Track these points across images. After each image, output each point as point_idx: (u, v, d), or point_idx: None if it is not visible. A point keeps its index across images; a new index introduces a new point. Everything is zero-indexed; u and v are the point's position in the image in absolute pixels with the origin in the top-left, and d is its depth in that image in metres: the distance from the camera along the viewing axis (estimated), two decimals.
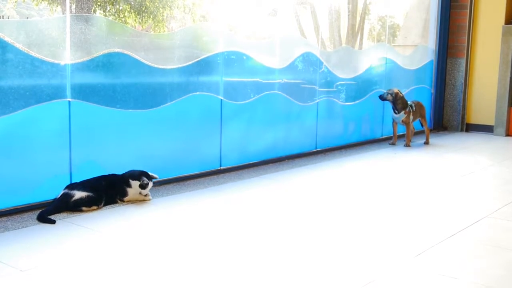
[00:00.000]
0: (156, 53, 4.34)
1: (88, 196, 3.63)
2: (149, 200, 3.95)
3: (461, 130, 8.10)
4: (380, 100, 6.64)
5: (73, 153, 3.80)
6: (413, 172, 5.26)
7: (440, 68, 8.09)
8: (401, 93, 6.54)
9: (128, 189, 3.86)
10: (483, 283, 2.61)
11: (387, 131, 7.16)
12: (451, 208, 3.99)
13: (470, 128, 8.10)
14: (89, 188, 3.67)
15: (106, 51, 3.96)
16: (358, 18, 7.30)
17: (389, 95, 6.49)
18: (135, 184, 3.86)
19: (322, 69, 6.04)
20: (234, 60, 4.97)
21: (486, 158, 6.00)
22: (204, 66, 4.70)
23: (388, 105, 6.72)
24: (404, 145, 6.72)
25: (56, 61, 3.66)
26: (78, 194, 3.61)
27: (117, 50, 4.03)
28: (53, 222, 3.37)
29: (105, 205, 3.76)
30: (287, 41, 5.67)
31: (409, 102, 6.63)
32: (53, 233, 3.19)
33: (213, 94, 4.79)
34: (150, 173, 3.95)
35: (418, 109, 6.79)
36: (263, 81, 5.32)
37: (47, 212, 3.47)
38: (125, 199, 3.87)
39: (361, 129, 6.85)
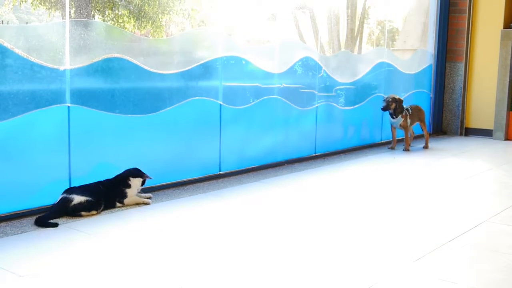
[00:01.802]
0: (155, 58, 4.34)
1: (87, 201, 3.63)
2: (149, 202, 3.96)
3: (460, 134, 8.11)
4: (383, 111, 6.56)
5: (72, 158, 3.80)
6: (413, 177, 5.26)
7: (439, 72, 8.10)
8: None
9: (127, 190, 3.86)
10: None
11: (386, 135, 7.17)
12: (451, 212, 3.99)
13: (469, 132, 8.11)
14: (88, 193, 3.66)
15: (105, 56, 3.96)
16: (357, 23, 7.32)
17: (393, 103, 6.44)
18: (135, 182, 3.87)
19: (321, 74, 6.05)
20: (233, 64, 4.98)
21: (485, 162, 6.00)
22: (203, 71, 4.71)
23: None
24: (403, 150, 6.72)
25: (55, 66, 3.67)
26: (77, 199, 3.60)
27: (116, 55, 4.04)
28: (55, 225, 3.39)
29: (104, 209, 3.76)
30: (286, 46, 5.68)
31: (404, 106, 6.63)
32: (53, 238, 3.19)
33: (212, 99, 4.79)
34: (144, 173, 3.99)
35: (416, 113, 6.79)
36: (262, 86, 5.32)
37: (46, 217, 3.47)
38: (125, 201, 3.87)
39: (360, 133, 6.85)
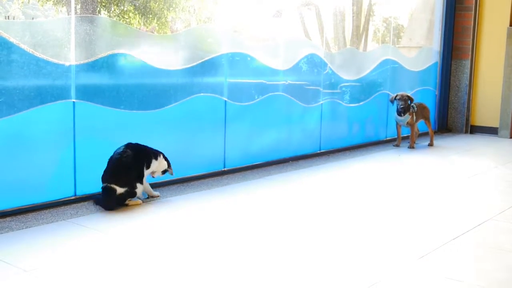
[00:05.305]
0: (161, 54, 4.34)
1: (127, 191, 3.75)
2: (157, 195, 4.04)
3: (466, 132, 8.08)
4: (402, 110, 6.50)
5: (77, 154, 3.81)
6: (417, 174, 5.25)
7: (445, 70, 8.07)
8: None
9: (153, 161, 3.94)
10: (487, 286, 2.60)
11: (391, 132, 7.15)
12: (455, 210, 3.98)
13: (475, 130, 8.08)
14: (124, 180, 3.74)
15: (110, 52, 3.97)
16: (362, 20, 7.30)
17: (404, 101, 6.40)
18: (162, 162, 4.00)
19: (327, 71, 6.04)
20: (238, 61, 4.98)
21: (490, 160, 5.98)
22: (209, 67, 4.70)
23: (392, 107, 6.69)
24: (408, 147, 6.71)
25: (61, 62, 3.67)
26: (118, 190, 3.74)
27: (121, 51, 4.04)
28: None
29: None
30: (291, 43, 5.67)
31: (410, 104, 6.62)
32: (57, 234, 3.20)
33: (217, 95, 4.79)
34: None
35: (420, 110, 6.78)
36: (267, 83, 5.32)
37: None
38: (146, 172, 3.90)
39: (365, 130, 6.84)
